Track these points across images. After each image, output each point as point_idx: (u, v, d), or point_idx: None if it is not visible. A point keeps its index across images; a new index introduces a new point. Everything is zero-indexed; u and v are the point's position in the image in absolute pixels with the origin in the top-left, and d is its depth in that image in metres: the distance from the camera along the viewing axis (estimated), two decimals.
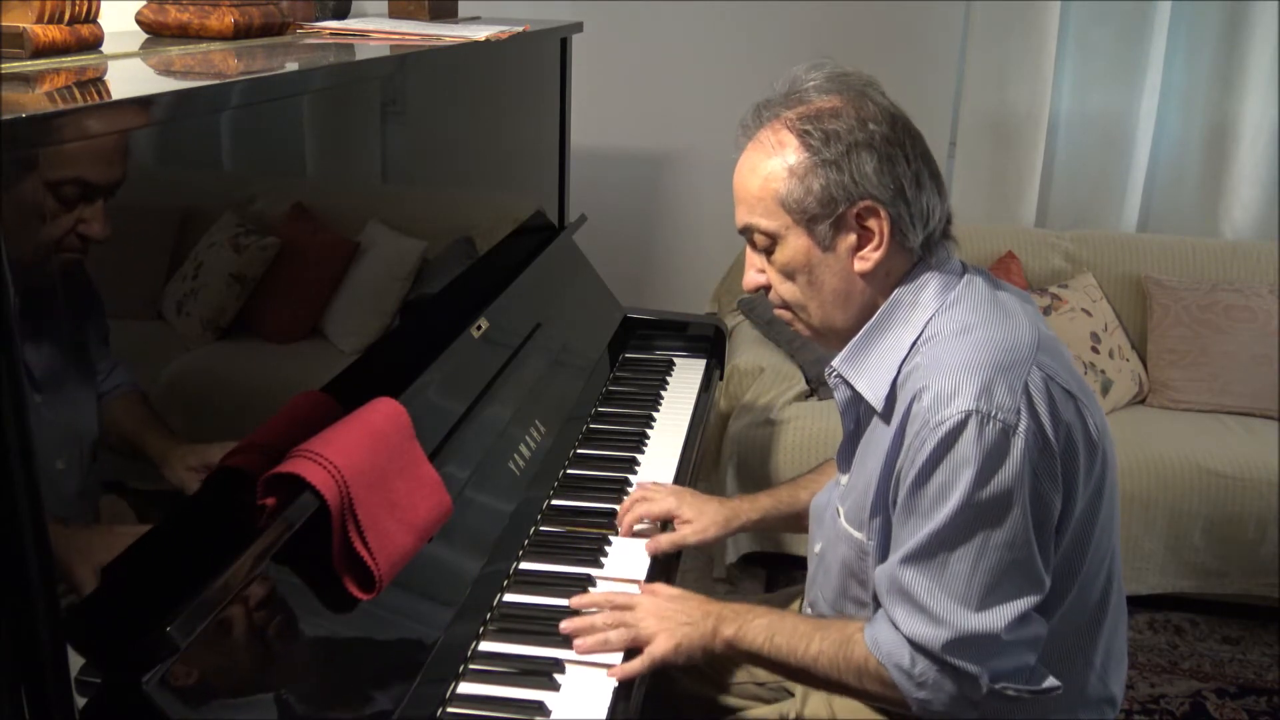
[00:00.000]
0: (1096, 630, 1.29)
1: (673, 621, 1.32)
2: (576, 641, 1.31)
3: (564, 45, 2.25)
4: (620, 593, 1.40)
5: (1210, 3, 3.01)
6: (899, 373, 1.24)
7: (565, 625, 1.33)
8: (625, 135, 3.28)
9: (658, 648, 1.29)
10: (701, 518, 1.58)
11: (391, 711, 1.12)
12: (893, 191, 1.21)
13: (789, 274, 1.27)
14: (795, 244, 1.25)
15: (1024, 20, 3.04)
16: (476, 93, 1.85)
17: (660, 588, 1.41)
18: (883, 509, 1.25)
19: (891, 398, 1.24)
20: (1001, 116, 3.14)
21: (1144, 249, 3.03)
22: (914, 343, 1.24)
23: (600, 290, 2.31)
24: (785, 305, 1.31)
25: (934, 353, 1.21)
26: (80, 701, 0.88)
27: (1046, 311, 2.82)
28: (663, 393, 2.08)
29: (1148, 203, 3.23)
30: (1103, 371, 2.82)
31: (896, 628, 1.20)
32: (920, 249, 1.25)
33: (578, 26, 2.30)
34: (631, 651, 1.31)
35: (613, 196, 3.29)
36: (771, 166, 1.24)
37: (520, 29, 1.93)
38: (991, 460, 1.13)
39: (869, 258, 1.24)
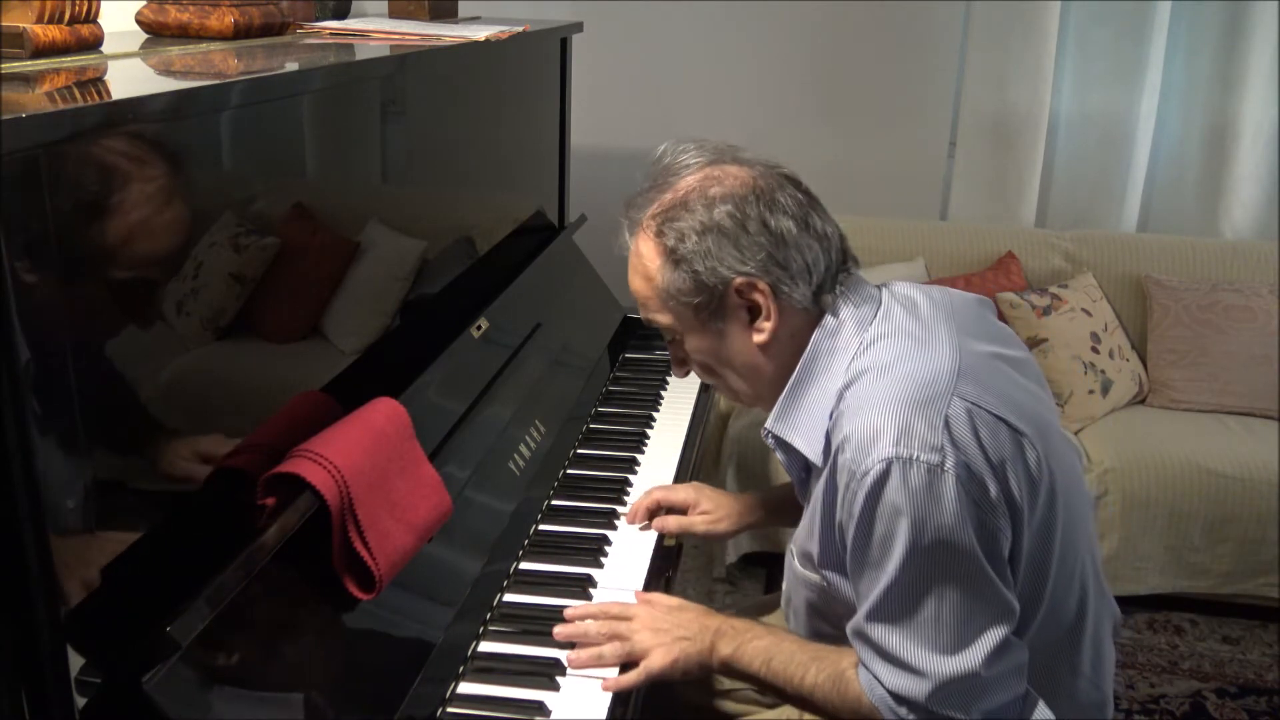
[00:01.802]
0: (1077, 640, 1.27)
1: (670, 636, 1.30)
2: (571, 656, 1.29)
3: (564, 45, 2.25)
4: (616, 603, 1.38)
5: (1210, 3, 3.01)
6: (830, 423, 1.22)
7: (559, 631, 1.31)
8: (625, 135, 3.28)
9: (654, 662, 1.28)
10: (718, 510, 1.60)
11: (392, 712, 1.12)
12: (761, 260, 1.22)
13: (701, 362, 1.31)
14: (693, 336, 1.29)
15: (1024, 20, 3.04)
16: (476, 93, 1.85)
17: (658, 597, 1.39)
18: (834, 560, 1.24)
19: (827, 449, 1.22)
20: (1001, 116, 3.15)
21: (1144, 249, 3.03)
22: (839, 390, 1.21)
23: (600, 290, 2.31)
24: (714, 386, 1.35)
25: (855, 397, 1.19)
26: (80, 701, 0.88)
27: (1046, 311, 2.82)
28: (663, 393, 2.08)
29: (1148, 203, 3.23)
30: (1103, 371, 2.82)
31: (880, 683, 1.19)
32: (814, 302, 1.25)
33: (578, 26, 2.30)
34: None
35: (613, 196, 3.27)
36: (643, 274, 1.28)
37: (520, 29, 1.93)
38: (924, 504, 1.10)
39: (764, 329, 1.25)
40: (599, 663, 1.28)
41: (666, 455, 1.84)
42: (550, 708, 1.21)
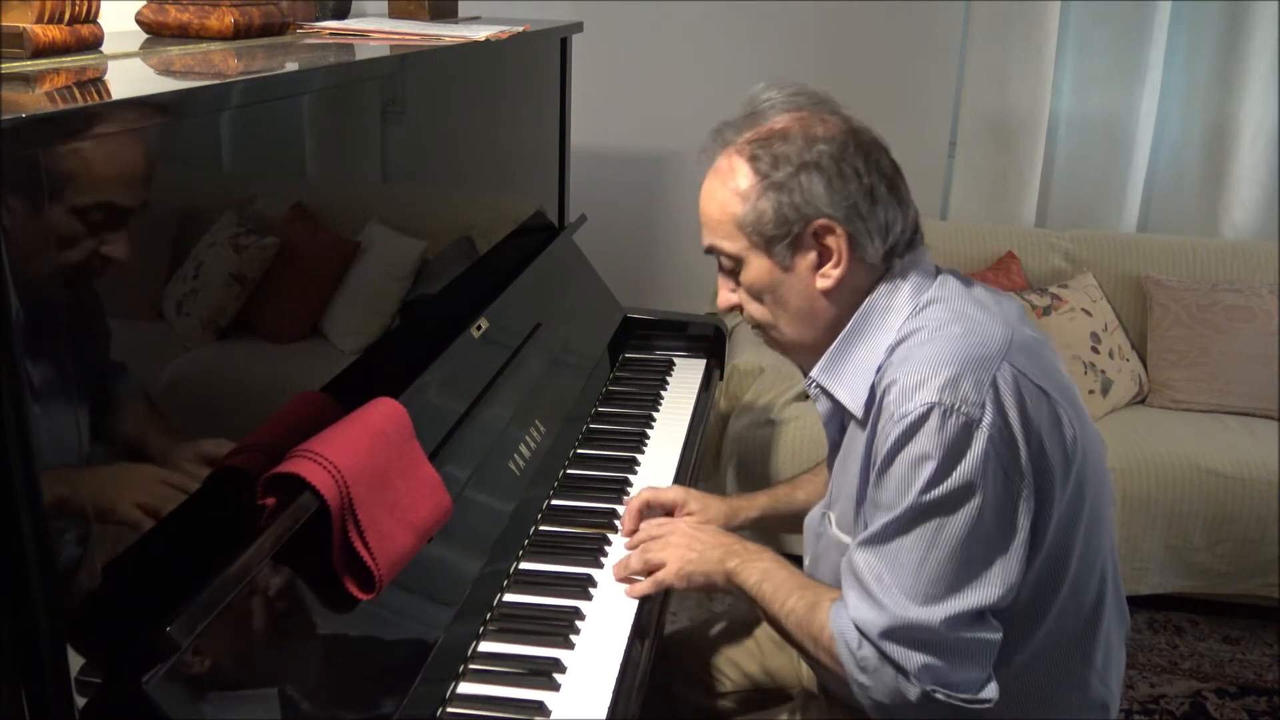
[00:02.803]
0: (1094, 631, 1.28)
1: (685, 549, 1.40)
2: (614, 569, 1.45)
3: (564, 45, 2.25)
4: (657, 521, 1.52)
5: (1210, 3, 3.01)
6: (876, 376, 1.24)
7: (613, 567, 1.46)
8: (625, 135, 3.28)
9: (665, 574, 1.39)
10: (706, 512, 1.60)
11: (392, 711, 1.12)
12: (846, 208, 1.22)
13: (755, 295, 1.30)
14: (757, 266, 1.27)
15: (1024, 20, 3.04)
16: (476, 93, 1.85)
17: (690, 522, 1.51)
18: (863, 506, 1.26)
19: (870, 402, 1.24)
20: (1001, 116, 3.14)
21: (1144, 249, 3.03)
22: (890, 346, 1.24)
23: (600, 290, 2.31)
24: (758, 324, 1.34)
25: (906, 351, 1.21)
26: (80, 701, 0.88)
27: (1046, 311, 2.83)
28: (663, 393, 2.07)
29: (1148, 203, 3.23)
30: (1103, 371, 2.82)
31: (846, 607, 1.21)
32: (883, 261, 1.26)
33: (578, 26, 2.30)
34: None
35: (613, 196, 3.29)
36: (726, 192, 1.27)
37: (520, 29, 1.93)
38: (952, 454, 1.12)
39: (830, 275, 1.25)
40: (625, 571, 1.43)
41: (666, 455, 1.84)
42: (550, 708, 1.21)
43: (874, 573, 1.18)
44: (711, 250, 1.31)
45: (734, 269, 1.30)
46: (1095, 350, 2.83)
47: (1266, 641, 2.63)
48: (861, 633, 1.19)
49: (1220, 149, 3.08)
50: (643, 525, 1.50)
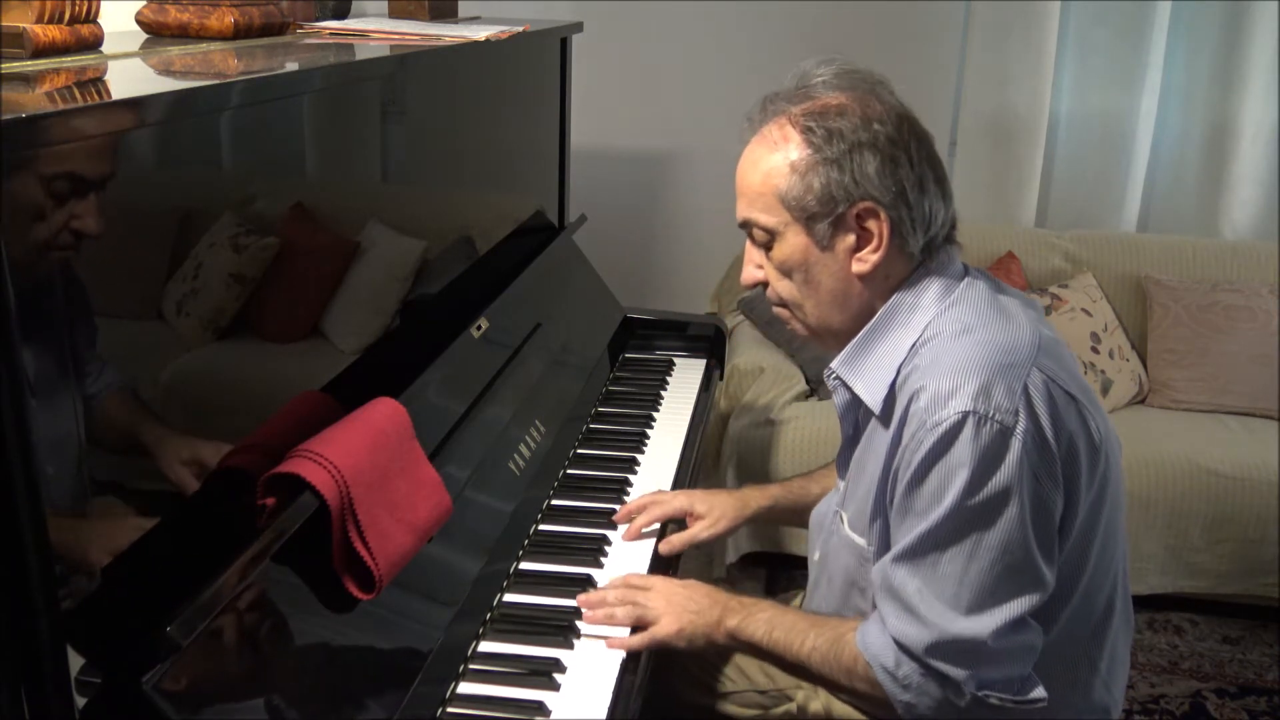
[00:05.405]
0: (1102, 637, 1.28)
1: (680, 607, 1.33)
2: (586, 613, 1.34)
3: (564, 45, 2.25)
4: (638, 575, 1.43)
5: (1210, 3, 3.01)
6: (898, 375, 1.22)
7: (581, 598, 1.37)
8: (625, 135, 3.28)
9: (661, 629, 1.32)
10: (713, 511, 1.59)
11: (392, 712, 1.12)
12: (894, 194, 1.20)
13: (786, 271, 1.27)
14: (794, 241, 1.24)
15: (1024, 20, 3.04)
16: (476, 93, 1.85)
17: (672, 579, 1.43)
18: (882, 511, 1.25)
19: (890, 400, 1.23)
20: (1001, 116, 3.14)
21: (1144, 249, 3.03)
22: (913, 345, 1.22)
23: (600, 290, 2.31)
24: (782, 303, 1.30)
25: (933, 354, 1.19)
26: (80, 701, 0.88)
27: (1046, 311, 2.82)
28: (663, 393, 2.07)
29: (1148, 203, 3.23)
30: (1103, 371, 2.82)
31: (885, 627, 1.20)
32: (921, 253, 1.24)
33: (578, 26, 2.30)
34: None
35: (613, 196, 3.28)
36: (773, 162, 1.23)
37: (520, 29, 1.93)
38: (987, 461, 1.11)
39: (867, 260, 1.22)
40: (610, 622, 1.33)
41: (666, 455, 1.84)
42: (550, 708, 1.21)
43: (913, 588, 1.16)
44: (746, 224, 1.27)
45: (767, 242, 1.27)
46: (1095, 350, 2.83)
47: (1266, 641, 2.63)
48: (904, 649, 1.17)
49: (1220, 149, 3.08)
50: (623, 578, 1.42)
